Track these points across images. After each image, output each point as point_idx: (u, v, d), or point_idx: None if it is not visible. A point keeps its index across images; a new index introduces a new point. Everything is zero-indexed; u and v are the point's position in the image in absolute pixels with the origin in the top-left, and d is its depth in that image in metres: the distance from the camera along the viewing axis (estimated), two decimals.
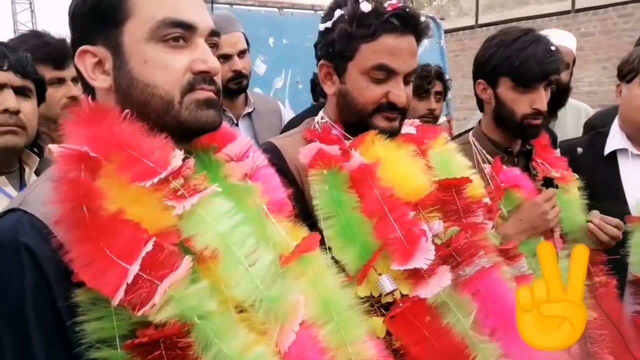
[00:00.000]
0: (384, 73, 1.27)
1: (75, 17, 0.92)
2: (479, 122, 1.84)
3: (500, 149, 1.74)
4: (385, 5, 1.24)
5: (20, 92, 1.52)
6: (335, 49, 1.29)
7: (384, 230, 1.18)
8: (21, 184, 1.61)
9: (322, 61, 1.35)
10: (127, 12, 0.89)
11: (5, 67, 1.48)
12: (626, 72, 1.88)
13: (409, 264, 1.15)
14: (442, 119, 3.55)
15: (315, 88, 2.95)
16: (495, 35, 1.73)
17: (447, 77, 2.98)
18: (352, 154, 1.25)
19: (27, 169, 1.65)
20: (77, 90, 2.00)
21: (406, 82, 1.31)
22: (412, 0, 1.30)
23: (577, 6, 10.14)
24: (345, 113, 1.34)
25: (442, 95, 2.78)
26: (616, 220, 1.72)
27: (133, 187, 0.81)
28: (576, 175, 1.78)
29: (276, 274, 0.91)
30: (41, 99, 1.65)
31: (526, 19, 10.69)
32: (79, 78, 0.94)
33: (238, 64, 2.27)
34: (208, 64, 0.91)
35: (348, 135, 1.34)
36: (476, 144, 1.76)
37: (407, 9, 1.25)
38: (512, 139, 1.75)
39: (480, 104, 1.83)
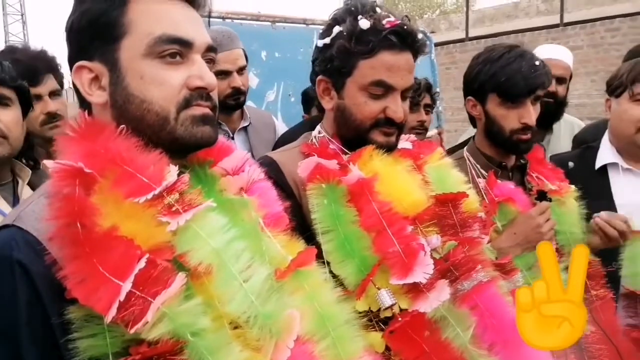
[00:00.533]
0: (382, 89, 1.29)
1: (72, 33, 0.92)
2: (473, 137, 1.85)
3: (494, 164, 1.75)
4: (384, 22, 1.26)
5: None
6: (334, 64, 1.31)
7: (382, 245, 1.19)
8: (14, 197, 1.60)
9: (320, 77, 1.36)
10: (125, 28, 0.88)
11: None
12: (615, 87, 1.90)
13: (408, 278, 1.15)
14: (433, 132, 3.59)
15: (308, 101, 2.97)
16: (481, 52, 1.76)
17: (437, 89, 3.01)
18: (351, 168, 1.25)
19: (20, 182, 1.63)
20: (54, 105, 1.96)
21: (403, 98, 1.32)
22: (409, 17, 1.31)
23: (565, 20, 10.30)
24: (343, 128, 1.35)
25: (431, 107, 2.82)
26: (623, 216, 1.73)
27: (127, 203, 0.81)
28: (573, 187, 1.78)
29: (271, 289, 0.90)
30: (27, 107, 1.63)
31: (515, 32, 10.85)
32: (75, 93, 0.94)
33: (237, 80, 2.29)
34: (204, 80, 0.91)
35: (346, 150, 1.34)
36: (470, 159, 1.77)
37: (405, 26, 1.27)
38: (505, 154, 1.76)
39: (472, 120, 1.84)
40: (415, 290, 1.16)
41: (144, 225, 0.80)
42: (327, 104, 1.37)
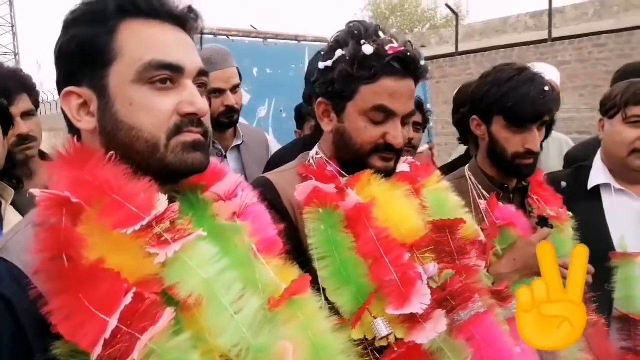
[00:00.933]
0: (382, 114, 1.27)
1: (61, 58, 0.90)
2: (475, 156, 1.82)
3: (496, 185, 1.73)
4: (387, 48, 1.24)
5: None
6: (335, 88, 1.29)
7: (379, 273, 1.16)
8: None
9: (320, 99, 1.34)
10: (114, 54, 0.87)
11: None
12: (609, 108, 1.89)
13: (405, 309, 1.12)
14: (424, 147, 3.59)
15: (301, 117, 2.96)
16: (490, 72, 1.72)
17: (428, 106, 3.00)
18: (348, 193, 1.24)
19: (3, 202, 1.60)
20: (26, 127, 1.91)
21: (403, 124, 1.31)
22: (412, 42, 1.30)
23: (553, 35, 10.44)
24: (341, 151, 1.34)
25: (422, 126, 2.80)
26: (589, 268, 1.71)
27: (115, 234, 0.78)
28: (570, 214, 1.76)
29: (264, 320, 0.88)
30: (7, 125, 1.59)
31: (505, 47, 10.97)
32: (64, 118, 0.91)
33: (231, 99, 2.28)
34: (195, 106, 0.89)
35: (343, 173, 1.33)
36: (472, 178, 1.74)
37: (408, 53, 1.26)
38: (506, 176, 1.74)
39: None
40: (412, 320, 1.13)
41: (131, 257, 0.78)
42: (327, 126, 1.35)
